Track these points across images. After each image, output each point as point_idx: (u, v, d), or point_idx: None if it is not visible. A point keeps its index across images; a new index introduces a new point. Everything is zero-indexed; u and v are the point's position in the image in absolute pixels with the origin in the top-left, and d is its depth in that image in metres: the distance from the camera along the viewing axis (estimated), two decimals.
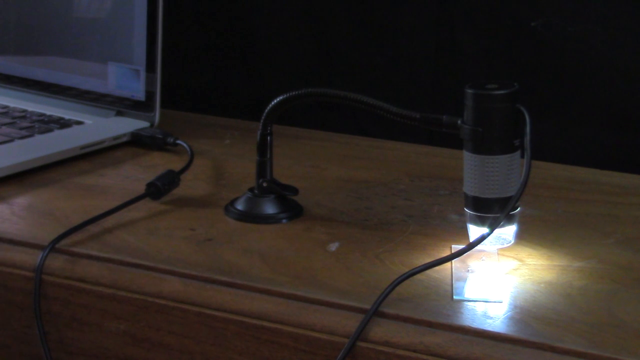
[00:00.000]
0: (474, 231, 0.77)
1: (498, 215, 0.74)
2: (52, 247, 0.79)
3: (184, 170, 0.94)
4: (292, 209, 0.87)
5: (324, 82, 1.22)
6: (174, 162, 0.99)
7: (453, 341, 0.66)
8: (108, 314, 0.76)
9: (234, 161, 1.01)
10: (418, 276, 0.73)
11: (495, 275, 0.75)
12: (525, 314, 0.68)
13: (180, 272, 0.76)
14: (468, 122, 0.76)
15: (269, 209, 0.86)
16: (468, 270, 0.75)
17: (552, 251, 0.79)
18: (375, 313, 0.68)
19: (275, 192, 0.87)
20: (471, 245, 0.73)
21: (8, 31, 1.20)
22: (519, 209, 0.77)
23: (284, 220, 0.85)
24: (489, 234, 0.74)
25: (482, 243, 0.76)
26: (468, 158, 0.77)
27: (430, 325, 0.67)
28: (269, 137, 0.87)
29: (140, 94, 1.09)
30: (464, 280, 0.74)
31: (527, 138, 0.74)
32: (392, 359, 0.67)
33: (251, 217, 0.86)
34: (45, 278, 0.78)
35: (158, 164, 1.00)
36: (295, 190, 0.87)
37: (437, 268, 0.74)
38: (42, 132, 1.05)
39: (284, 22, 1.25)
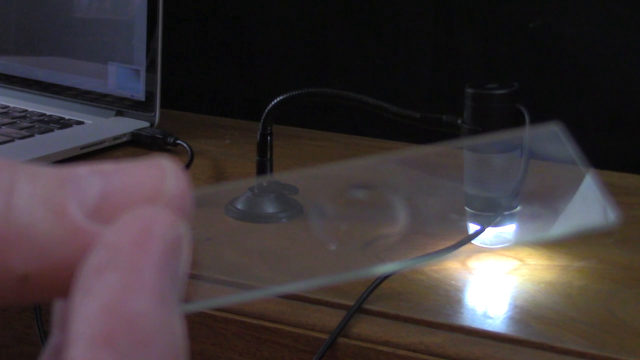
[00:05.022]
0: (474, 230, 0.77)
1: (498, 215, 0.74)
2: None
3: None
4: (292, 209, 0.87)
5: (323, 82, 1.22)
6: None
7: (453, 341, 0.66)
8: None
9: (234, 161, 1.01)
10: (418, 276, 0.73)
11: (495, 275, 0.75)
12: (525, 314, 0.68)
13: None
14: (468, 121, 0.76)
15: (269, 208, 0.86)
16: (468, 270, 0.75)
17: (552, 251, 0.79)
18: (375, 313, 0.68)
19: (275, 191, 0.87)
20: (464, 241, 0.73)
21: (8, 31, 1.20)
22: (518, 208, 0.77)
23: (284, 220, 0.85)
24: (482, 230, 0.74)
25: (482, 243, 0.77)
26: (468, 157, 0.77)
27: (430, 325, 0.67)
28: (269, 137, 0.87)
29: (140, 94, 1.09)
30: (464, 280, 0.74)
31: (526, 138, 0.74)
32: (392, 359, 0.67)
33: (251, 216, 0.86)
34: None
35: None
36: (295, 190, 0.87)
37: (436, 268, 0.74)
38: (42, 132, 1.05)
39: (283, 23, 1.25)
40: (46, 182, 0.23)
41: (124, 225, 0.23)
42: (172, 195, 0.24)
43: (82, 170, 0.23)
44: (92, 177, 0.23)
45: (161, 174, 0.24)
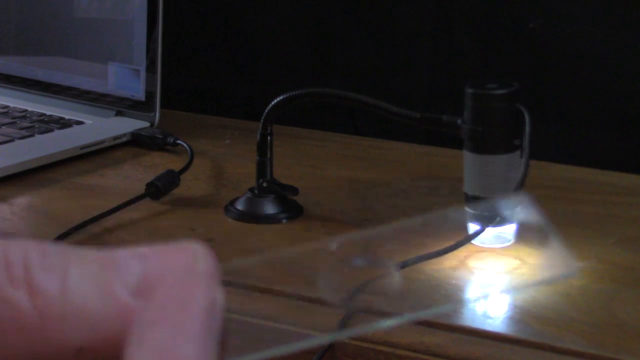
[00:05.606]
0: (474, 230, 0.77)
1: (498, 215, 0.75)
2: None
3: (184, 170, 0.94)
4: (292, 209, 0.87)
5: (322, 82, 1.22)
6: (174, 162, 0.99)
7: (453, 341, 0.66)
8: None
9: (234, 161, 1.01)
10: (418, 276, 0.73)
11: (495, 275, 0.75)
12: (525, 314, 0.68)
13: None
14: (468, 121, 0.76)
15: (269, 209, 0.86)
16: (468, 270, 0.75)
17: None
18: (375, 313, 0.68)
19: (275, 192, 0.87)
20: (463, 241, 0.73)
21: (8, 31, 1.20)
22: (518, 208, 0.77)
23: (284, 220, 0.85)
24: (482, 230, 0.74)
25: (483, 242, 0.77)
26: (468, 158, 0.77)
27: (430, 325, 0.67)
28: (269, 137, 0.87)
29: (140, 94, 1.09)
30: (464, 280, 0.74)
31: (526, 138, 0.75)
32: (392, 359, 0.67)
33: (251, 217, 0.86)
34: None
35: (158, 164, 1.00)
36: (295, 190, 0.88)
37: (436, 267, 0.74)
38: (42, 132, 1.05)
39: (283, 23, 1.25)
40: (93, 265, 0.27)
41: (170, 291, 0.27)
42: (204, 274, 0.28)
43: (122, 253, 0.28)
44: (132, 259, 0.28)
45: (193, 257, 0.28)
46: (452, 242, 0.74)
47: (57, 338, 0.26)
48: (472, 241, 0.75)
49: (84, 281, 0.26)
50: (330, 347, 0.69)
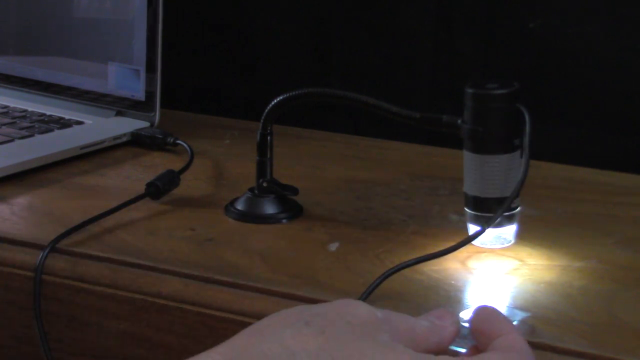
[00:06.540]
0: (474, 231, 0.77)
1: (498, 215, 0.74)
2: (52, 247, 0.79)
3: (184, 170, 0.94)
4: (292, 209, 0.87)
5: (322, 82, 1.22)
6: (174, 162, 0.99)
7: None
8: (108, 314, 0.76)
9: (234, 161, 1.01)
10: (418, 276, 0.73)
11: (495, 275, 0.75)
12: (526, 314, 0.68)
13: (180, 272, 0.76)
14: (468, 121, 0.76)
15: (269, 209, 0.86)
16: (468, 270, 0.75)
17: (552, 251, 0.79)
18: None
19: (275, 192, 0.87)
20: (464, 242, 0.73)
21: (8, 31, 1.20)
22: (518, 208, 0.77)
23: (284, 220, 0.85)
24: (482, 231, 0.74)
25: (482, 243, 0.77)
26: (468, 158, 0.77)
27: None
28: (269, 137, 0.87)
29: (140, 94, 1.09)
30: (464, 280, 0.74)
31: (526, 138, 0.74)
32: None
33: (251, 217, 0.86)
34: (45, 278, 0.78)
35: (158, 164, 1.00)
36: (295, 190, 0.88)
37: (436, 268, 0.74)
38: (42, 132, 1.05)
39: (283, 23, 1.25)
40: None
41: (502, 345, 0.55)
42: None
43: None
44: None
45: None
46: (452, 243, 0.74)
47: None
48: (472, 242, 0.75)
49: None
50: None
